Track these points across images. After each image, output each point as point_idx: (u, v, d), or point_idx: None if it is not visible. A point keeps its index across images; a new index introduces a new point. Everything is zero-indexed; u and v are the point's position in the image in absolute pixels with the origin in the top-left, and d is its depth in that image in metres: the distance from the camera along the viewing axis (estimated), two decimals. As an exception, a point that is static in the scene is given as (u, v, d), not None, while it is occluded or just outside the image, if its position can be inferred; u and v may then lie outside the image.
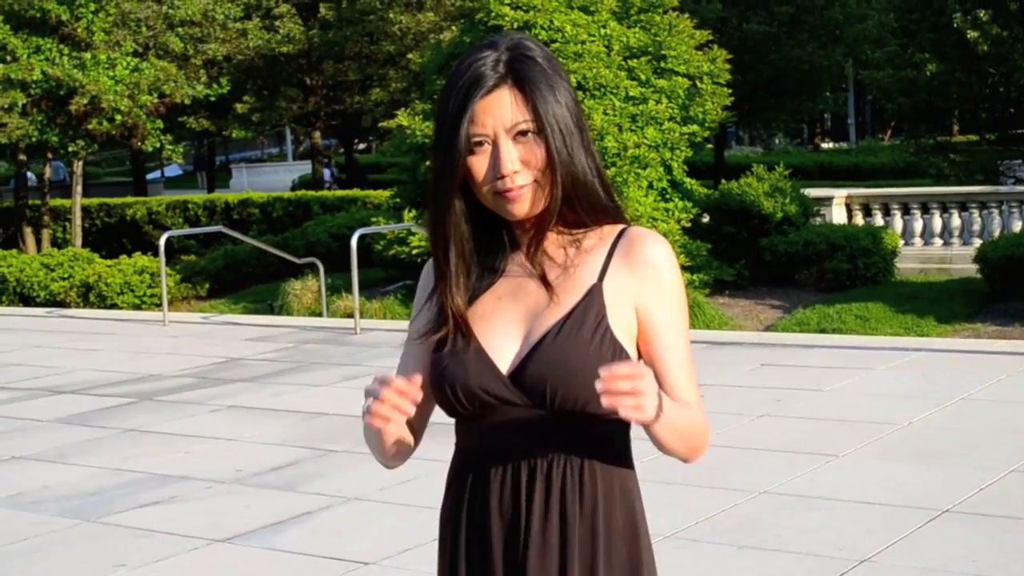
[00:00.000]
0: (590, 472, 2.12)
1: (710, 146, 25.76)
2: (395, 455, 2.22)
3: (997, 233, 15.60)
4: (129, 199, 26.16)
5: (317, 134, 31.50)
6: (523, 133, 2.07)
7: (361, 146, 46.72)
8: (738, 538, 5.40)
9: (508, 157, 2.06)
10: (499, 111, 2.06)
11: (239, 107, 29.68)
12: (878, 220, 16.84)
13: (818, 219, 16.34)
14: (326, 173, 34.87)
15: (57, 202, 24.75)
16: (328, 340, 11.84)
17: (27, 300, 17.73)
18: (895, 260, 15.27)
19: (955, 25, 22.94)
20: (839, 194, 17.48)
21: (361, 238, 13.07)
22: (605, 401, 1.89)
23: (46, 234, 22.06)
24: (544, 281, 2.13)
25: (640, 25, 15.19)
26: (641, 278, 2.13)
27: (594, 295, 2.11)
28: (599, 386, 1.88)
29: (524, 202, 2.08)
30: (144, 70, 19.35)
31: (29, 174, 23.84)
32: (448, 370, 2.13)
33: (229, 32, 25.09)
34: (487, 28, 14.47)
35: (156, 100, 19.68)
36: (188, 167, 53.43)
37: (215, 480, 6.85)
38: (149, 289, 17.01)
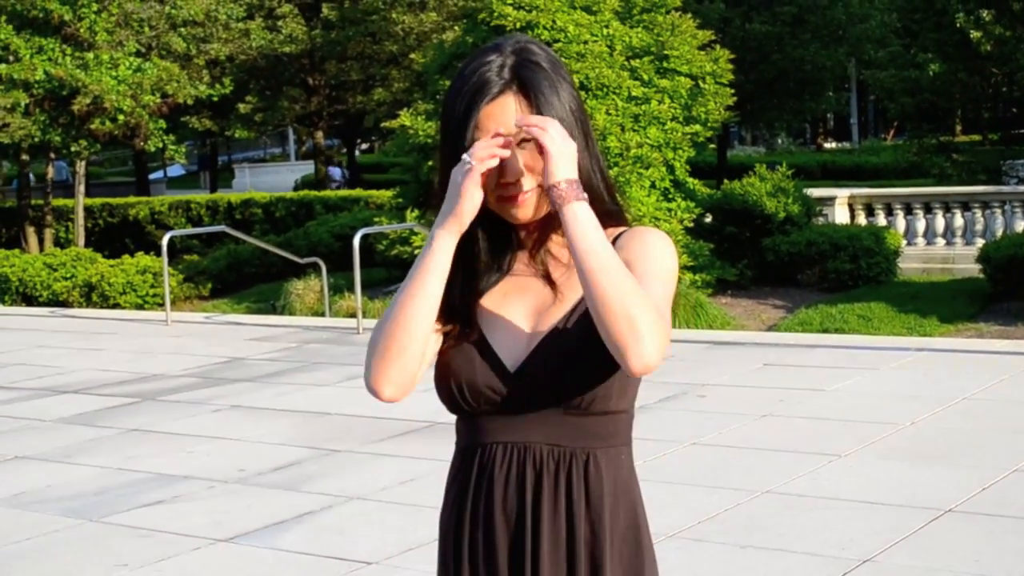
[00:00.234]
0: (595, 469, 2.13)
1: (713, 146, 25.80)
2: (403, 356, 2.07)
3: (1000, 233, 15.58)
4: (132, 199, 26.19)
5: (320, 134, 31.51)
6: (527, 139, 2.08)
7: (364, 146, 46.76)
8: (741, 538, 5.40)
9: (512, 164, 2.07)
10: (503, 118, 2.09)
11: (242, 107, 29.69)
12: (881, 220, 16.83)
13: (821, 219, 16.34)
14: (336, 173, 34.89)
15: (60, 202, 24.77)
16: (331, 340, 11.84)
17: (30, 300, 17.74)
18: (898, 260, 15.27)
19: (958, 25, 22.95)
20: (842, 194, 17.47)
21: (364, 238, 13.07)
22: (517, 119, 2.04)
23: (49, 234, 22.08)
24: (548, 280, 2.16)
25: (643, 25, 15.19)
26: (631, 252, 2.12)
27: None
28: (517, 120, 2.04)
29: (527, 207, 2.11)
30: (147, 70, 19.37)
31: (19, 175, 23.83)
32: (454, 366, 2.15)
33: (232, 32, 25.10)
34: (490, 28, 14.47)
35: (159, 100, 19.70)
36: (191, 167, 53.46)
37: (218, 480, 6.85)
38: (152, 289, 17.02)
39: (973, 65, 23.82)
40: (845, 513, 5.68)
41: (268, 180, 41.80)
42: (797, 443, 6.99)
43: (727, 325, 12.94)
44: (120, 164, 55.49)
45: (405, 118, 15.06)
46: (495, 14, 14.48)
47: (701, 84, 14.93)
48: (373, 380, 2.09)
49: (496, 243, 2.19)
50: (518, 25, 14.24)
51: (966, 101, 25.60)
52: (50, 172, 23.06)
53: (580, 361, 2.09)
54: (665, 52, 14.85)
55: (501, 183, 2.09)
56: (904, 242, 16.09)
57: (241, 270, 18.62)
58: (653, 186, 14.44)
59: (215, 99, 21.91)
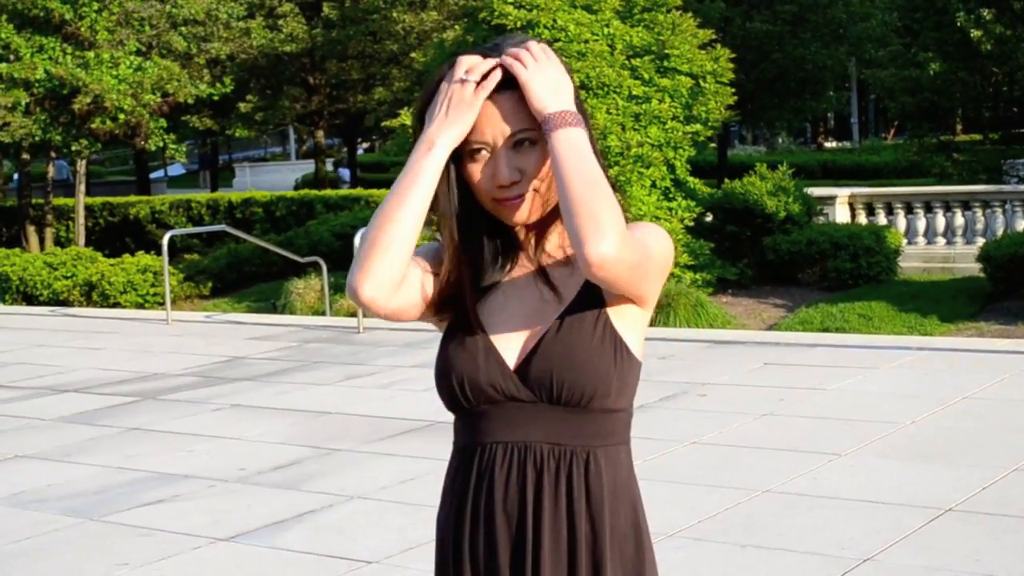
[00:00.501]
0: (595, 468, 2.14)
1: (713, 145, 25.80)
2: (386, 254, 2.07)
3: (1000, 232, 15.58)
4: (132, 198, 26.17)
5: (320, 133, 31.51)
6: (520, 141, 2.09)
7: (364, 145, 46.77)
8: (741, 537, 5.40)
9: (506, 167, 2.08)
10: (499, 119, 2.08)
11: (242, 106, 29.69)
12: (881, 219, 16.83)
13: (821, 218, 16.34)
14: (346, 174, 34.91)
15: (60, 201, 24.76)
16: (331, 339, 11.84)
17: (30, 299, 17.74)
18: (898, 259, 15.26)
19: (958, 24, 22.95)
20: (842, 193, 17.47)
21: (364, 237, 13.05)
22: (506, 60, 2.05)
23: (49, 233, 22.08)
24: (546, 279, 2.16)
25: (643, 24, 15.18)
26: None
27: (593, 288, 2.13)
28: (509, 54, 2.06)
29: (521, 211, 2.12)
30: (147, 69, 19.36)
31: (17, 174, 23.80)
32: (456, 363, 2.15)
33: (232, 31, 25.10)
34: (490, 27, 14.47)
35: (159, 99, 19.70)
36: (191, 166, 53.44)
37: (218, 479, 6.86)
38: (152, 288, 17.02)
39: (974, 64, 23.81)
40: (845, 512, 5.68)
41: (269, 179, 41.83)
42: (797, 442, 6.99)
43: (727, 324, 12.94)
44: (121, 163, 55.48)
45: (405, 117, 15.07)
46: (496, 13, 14.48)
47: (702, 83, 14.93)
48: (355, 279, 2.08)
49: (499, 242, 2.19)
50: (519, 24, 14.24)
51: (967, 100, 25.58)
52: (51, 171, 23.06)
53: (579, 359, 2.09)
54: (666, 51, 14.85)
55: (495, 186, 2.10)
56: (905, 241, 16.09)
57: (241, 269, 18.61)
58: (654, 185, 14.44)
59: (216, 98, 21.90)
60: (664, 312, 12.51)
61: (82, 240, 21.24)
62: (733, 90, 15.38)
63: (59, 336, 13.13)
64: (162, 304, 15.44)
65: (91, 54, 19.06)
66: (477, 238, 2.17)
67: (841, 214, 16.96)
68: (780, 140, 42.25)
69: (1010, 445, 6.72)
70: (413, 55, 25.66)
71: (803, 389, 8.41)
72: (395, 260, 2.07)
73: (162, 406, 8.96)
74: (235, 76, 26.06)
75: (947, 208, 16.75)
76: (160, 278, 16.49)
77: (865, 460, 6.55)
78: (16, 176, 23.45)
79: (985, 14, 22.58)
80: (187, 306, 17.20)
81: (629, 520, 2.16)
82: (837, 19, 26.30)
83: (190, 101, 20.66)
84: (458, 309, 2.17)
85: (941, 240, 16.57)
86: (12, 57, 18.96)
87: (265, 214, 22.55)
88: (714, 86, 14.98)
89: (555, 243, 2.19)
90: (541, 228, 2.18)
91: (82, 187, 21.96)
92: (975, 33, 22.51)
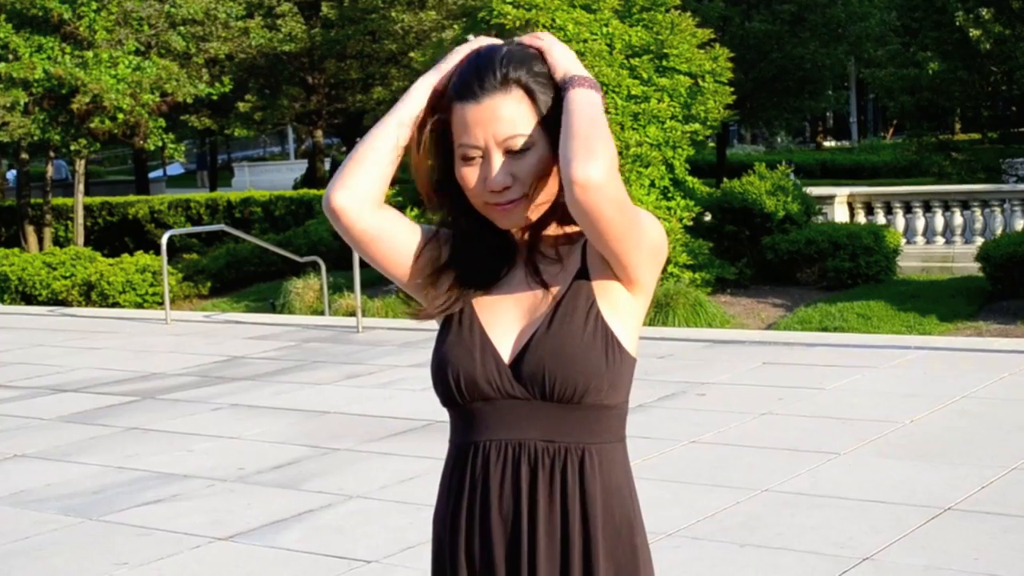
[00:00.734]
0: (590, 466, 2.14)
1: (712, 144, 25.77)
2: (361, 166, 2.14)
3: (999, 231, 15.58)
4: (131, 198, 26.16)
5: (319, 133, 31.51)
6: (512, 149, 2.11)
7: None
8: (740, 536, 5.40)
9: (498, 172, 2.09)
10: (493, 124, 2.09)
11: (241, 106, 29.67)
12: (880, 218, 16.83)
13: (820, 218, 16.33)
14: None
15: (59, 201, 24.77)
16: (330, 339, 11.84)
17: (29, 299, 17.74)
18: (897, 258, 15.26)
19: (957, 23, 22.95)
20: (841, 192, 17.47)
21: (363, 237, 13.05)
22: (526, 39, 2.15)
23: (48, 233, 22.08)
24: (539, 277, 2.17)
25: (642, 23, 15.18)
26: None
27: (582, 282, 2.15)
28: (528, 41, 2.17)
29: (512, 216, 2.13)
30: (146, 69, 19.35)
31: (10, 173, 23.75)
32: (453, 359, 2.16)
33: (231, 31, 25.07)
34: (489, 27, 14.46)
35: (158, 99, 19.69)
36: (190, 166, 53.45)
37: (217, 478, 6.86)
38: (151, 288, 17.01)
39: (972, 63, 23.81)
40: (844, 511, 5.68)
41: (267, 178, 41.82)
42: (796, 441, 6.99)
43: (726, 324, 12.94)
44: (119, 163, 55.49)
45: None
46: (495, 12, 14.47)
47: (700, 83, 14.92)
48: (330, 188, 2.15)
49: (495, 242, 2.20)
50: (517, 23, 14.23)
51: (965, 99, 25.58)
52: (49, 171, 23.05)
53: (569, 353, 2.10)
54: (664, 51, 14.84)
55: (488, 190, 2.11)
56: (903, 240, 16.09)
57: (240, 269, 18.61)
58: (652, 185, 14.43)
59: (214, 98, 21.89)
60: (663, 312, 12.51)
61: (81, 240, 21.23)
62: (732, 89, 15.38)
63: (58, 336, 13.13)
64: (161, 304, 15.44)
65: (90, 54, 19.05)
66: (475, 237, 2.18)
67: (840, 214, 16.97)
68: (779, 139, 42.24)
69: (1009, 444, 6.72)
70: (412, 55, 25.59)
71: (802, 388, 8.41)
72: (370, 170, 2.13)
73: (161, 406, 8.97)
74: (234, 76, 26.04)
75: (946, 207, 16.75)
76: (159, 278, 16.48)
77: (864, 459, 6.55)
78: (14, 174, 23.40)
79: (984, 13, 22.58)
80: (186, 306, 17.20)
81: (624, 518, 2.16)
82: (836, 18, 26.30)
83: (189, 101, 20.65)
84: (454, 305, 2.19)
85: (940, 239, 16.57)
86: (11, 57, 18.95)
87: (264, 214, 22.54)
88: (713, 85, 14.98)
89: (550, 240, 2.20)
90: (535, 228, 2.18)
91: (81, 187, 21.94)
92: (974, 32, 22.52)
